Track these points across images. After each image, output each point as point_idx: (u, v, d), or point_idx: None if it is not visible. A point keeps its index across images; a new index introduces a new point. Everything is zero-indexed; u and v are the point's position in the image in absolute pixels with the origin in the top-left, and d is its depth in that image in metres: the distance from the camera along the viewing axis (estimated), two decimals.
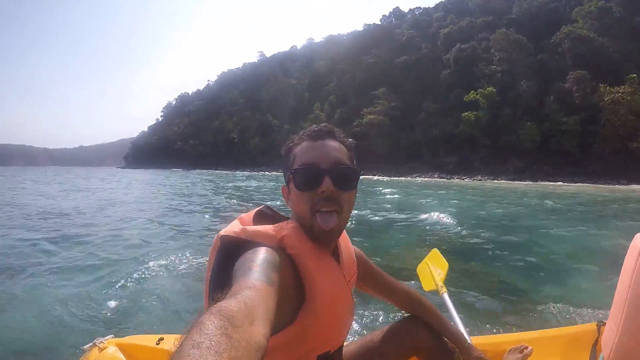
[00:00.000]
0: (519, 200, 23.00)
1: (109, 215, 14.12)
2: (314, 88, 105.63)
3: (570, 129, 55.37)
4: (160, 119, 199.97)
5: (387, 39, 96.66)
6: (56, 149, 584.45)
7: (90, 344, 2.11)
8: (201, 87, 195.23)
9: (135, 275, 5.98)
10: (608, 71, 58.18)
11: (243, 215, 1.29)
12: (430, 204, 18.87)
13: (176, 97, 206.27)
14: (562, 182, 47.78)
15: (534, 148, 56.54)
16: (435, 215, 12.82)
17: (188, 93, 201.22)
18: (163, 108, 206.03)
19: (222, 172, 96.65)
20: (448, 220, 11.82)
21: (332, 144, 1.26)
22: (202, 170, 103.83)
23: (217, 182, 43.77)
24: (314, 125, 1.31)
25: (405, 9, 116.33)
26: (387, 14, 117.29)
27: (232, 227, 1.16)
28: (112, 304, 4.95)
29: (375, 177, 60.97)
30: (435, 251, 2.83)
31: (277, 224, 1.20)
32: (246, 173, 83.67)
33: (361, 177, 1.28)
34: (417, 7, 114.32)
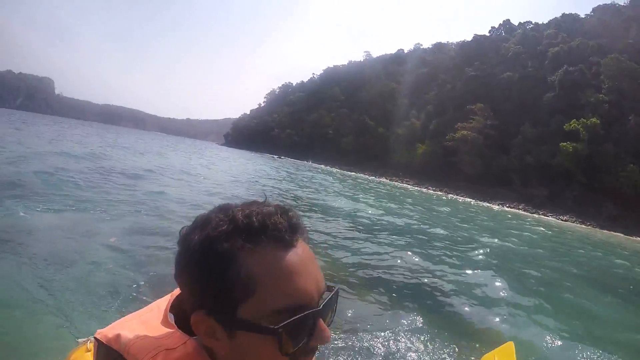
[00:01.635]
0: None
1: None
2: (413, 94, 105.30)
3: None
4: (262, 105, 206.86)
5: (493, 53, 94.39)
6: (165, 118, 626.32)
7: (86, 339, 1.75)
8: (305, 80, 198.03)
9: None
10: None
11: (159, 300, 1.00)
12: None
13: (280, 85, 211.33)
14: None
15: (634, 195, 51.70)
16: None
17: (292, 83, 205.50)
18: (266, 94, 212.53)
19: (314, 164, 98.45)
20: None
21: (308, 251, 0.84)
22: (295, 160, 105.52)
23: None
24: (267, 206, 0.82)
25: (516, 22, 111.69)
26: (496, 26, 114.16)
27: (114, 329, 0.86)
28: (131, 293, 4.73)
29: (461, 199, 58.48)
30: (510, 346, 2.12)
31: (167, 337, 0.84)
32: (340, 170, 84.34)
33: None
34: (527, 22, 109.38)
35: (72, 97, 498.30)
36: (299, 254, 0.78)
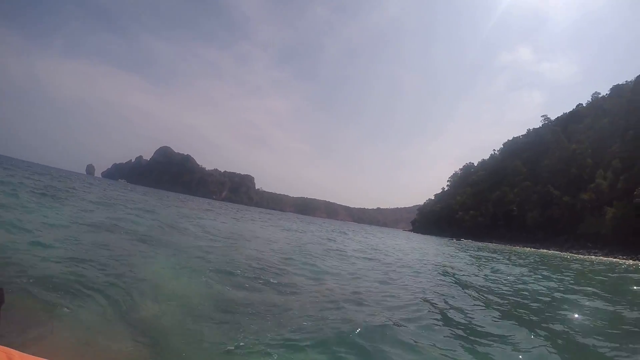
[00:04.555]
0: None
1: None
2: (596, 152, 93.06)
3: None
4: (446, 188, 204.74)
5: None
6: (356, 208, 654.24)
7: None
8: (486, 157, 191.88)
9: None
10: None
11: None
12: None
13: (462, 167, 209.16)
14: None
15: None
16: None
17: (473, 163, 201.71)
18: (449, 177, 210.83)
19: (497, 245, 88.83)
20: None
21: None
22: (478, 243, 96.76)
23: None
24: None
25: None
26: None
27: None
28: None
29: None
30: None
31: None
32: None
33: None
34: None
35: (270, 192, 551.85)
36: None
